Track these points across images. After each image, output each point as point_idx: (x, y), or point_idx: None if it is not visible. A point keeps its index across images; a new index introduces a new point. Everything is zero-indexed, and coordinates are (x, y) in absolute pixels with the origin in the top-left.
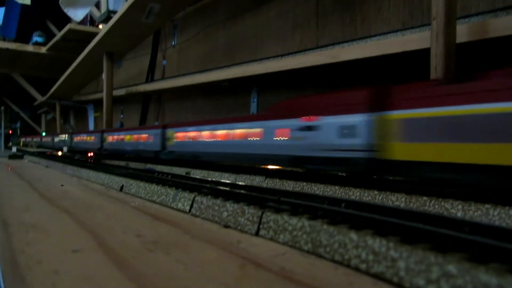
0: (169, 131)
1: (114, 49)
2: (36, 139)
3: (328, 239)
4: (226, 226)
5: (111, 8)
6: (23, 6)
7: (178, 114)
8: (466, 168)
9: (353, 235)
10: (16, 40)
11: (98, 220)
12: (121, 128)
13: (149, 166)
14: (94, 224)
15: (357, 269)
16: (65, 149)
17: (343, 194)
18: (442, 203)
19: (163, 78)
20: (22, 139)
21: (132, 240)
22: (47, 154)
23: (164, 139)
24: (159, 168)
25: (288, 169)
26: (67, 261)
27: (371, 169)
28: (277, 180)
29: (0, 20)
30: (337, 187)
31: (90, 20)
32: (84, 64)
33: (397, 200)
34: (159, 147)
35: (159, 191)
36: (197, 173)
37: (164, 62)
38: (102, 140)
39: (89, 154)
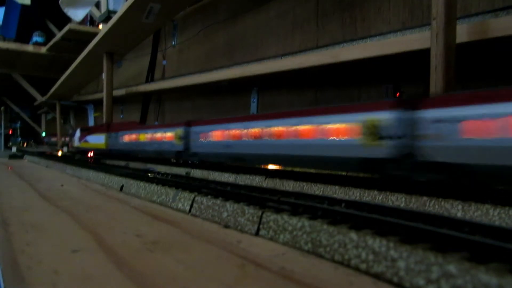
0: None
1: (114, 49)
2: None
3: (328, 239)
4: (226, 226)
5: (111, 8)
6: (23, 6)
7: (178, 114)
8: None
9: (353, 235)
10: (16, 40)
11: (98, 220)
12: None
13: (149, 166)
14: (94, 224)
15: (357, 269)
16: (65, 149)
17: (343, 194)
18: (442, 203)
19: (163, 78)
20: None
21: (132, 240)
22: (47, 154)
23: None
24: (159, 168)
25: (288, 169)
26: (67, 261)
27: None
28: (277, 180)
29: (0, 20)
30: (337, 187)
31: (90, 20)
32: (84, 64)
33: (397, 200)
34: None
35: (159, 191)
36: (197, 173)
37: (164, 62)
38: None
39: (89, 154)
